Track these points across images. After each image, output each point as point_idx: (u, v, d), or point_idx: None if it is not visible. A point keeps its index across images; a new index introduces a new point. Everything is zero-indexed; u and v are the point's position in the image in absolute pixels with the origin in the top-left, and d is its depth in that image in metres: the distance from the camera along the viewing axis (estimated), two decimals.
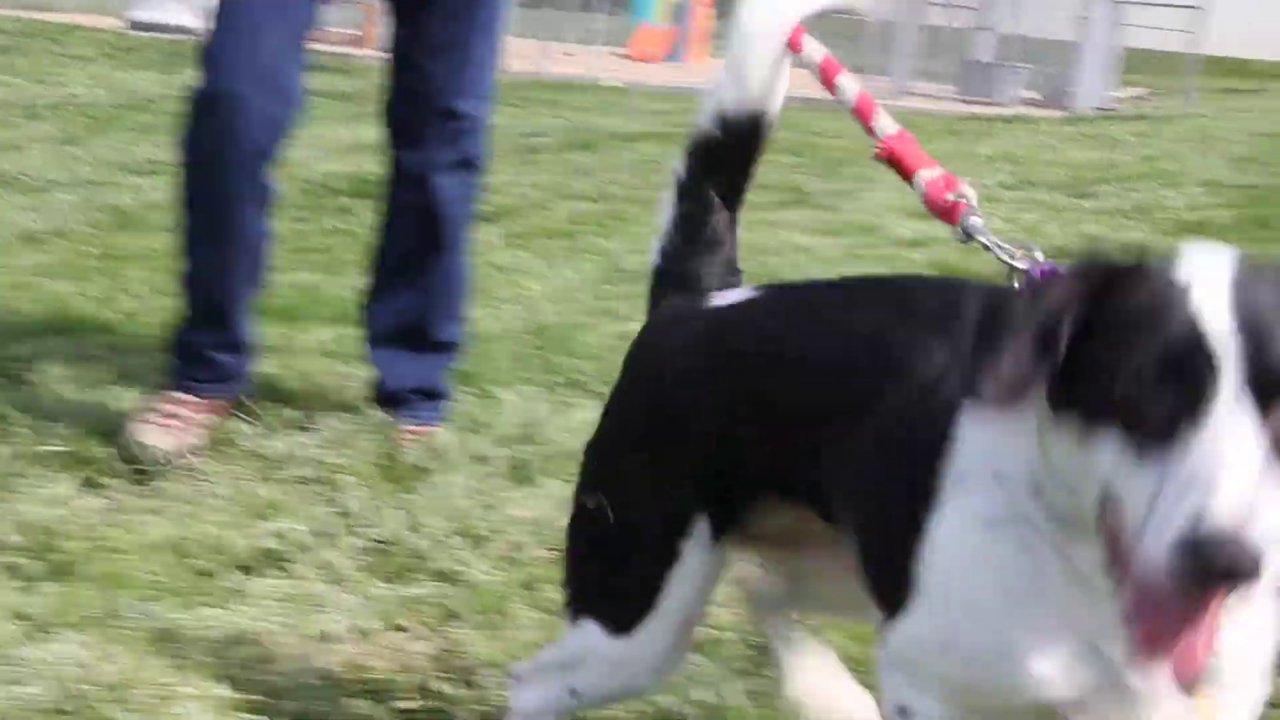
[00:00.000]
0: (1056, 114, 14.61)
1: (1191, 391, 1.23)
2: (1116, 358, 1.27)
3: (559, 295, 5.11)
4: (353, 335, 3.88)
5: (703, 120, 1.95)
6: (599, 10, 23.26)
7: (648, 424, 1.87)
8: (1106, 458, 1.28)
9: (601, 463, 1.92)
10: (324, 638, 2.56)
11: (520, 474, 3.30)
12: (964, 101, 15.51)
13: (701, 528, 1.80)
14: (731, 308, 1.87)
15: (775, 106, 1.95)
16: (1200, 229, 6.88)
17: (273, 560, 2.85)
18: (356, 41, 14.17)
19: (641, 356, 1.93)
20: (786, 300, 1.87)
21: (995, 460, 1.45)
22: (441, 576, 2.79)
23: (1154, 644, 1.27)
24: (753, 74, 1.92)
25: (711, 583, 1.87)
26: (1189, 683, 1.28)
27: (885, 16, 16.28)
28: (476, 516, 3.04)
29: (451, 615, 2.65)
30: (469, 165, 3.45)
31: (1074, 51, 16.05)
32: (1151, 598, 1.25)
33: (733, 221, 1.98)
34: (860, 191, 7.84)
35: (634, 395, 1.91)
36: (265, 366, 3.82)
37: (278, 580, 2.78)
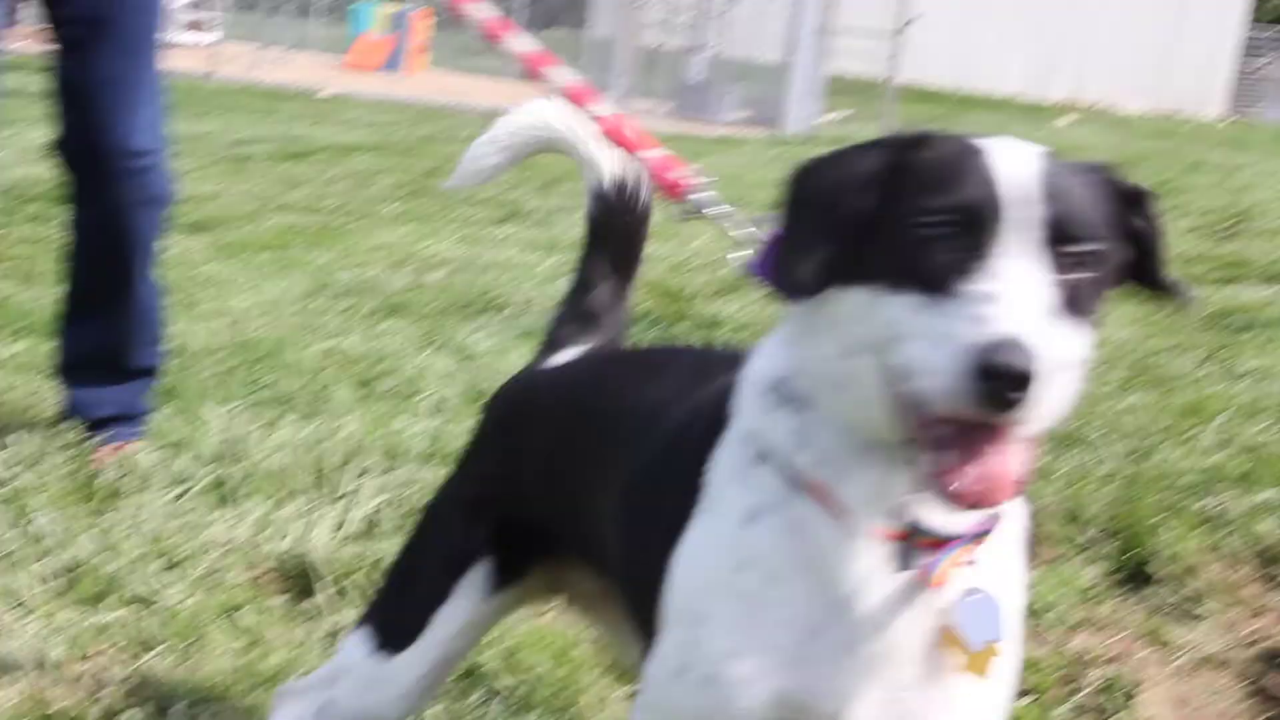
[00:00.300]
0: (766, 134, 15.03)
1: (980, 238, 1.26)
2: (908, 213, 1.29)
3: (266, 309, 4.99)
4: (46, 348, 3.71)
5: (588, 199, 2.03)
6: (315, 17, 22.90)
7: (463, 466, 1.94)
8: (895, 314, 1.27)
9: (436, 492, 1.97)
10: (3, 667, 2.43)
11: (222, 494, 3.21)
12: (680, 120, 15.82)
13: (481, 574, 1.83)
14: (551, 368, 1.92)
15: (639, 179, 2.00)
16: None
17: None
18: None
19: (488, 403, 1.98)
20: (583, 365, 1.90)
21: (759, 438, 1.42)
22: (136, 601, 2.69)
23: (958, 477, 1.26)
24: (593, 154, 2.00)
25: (478, 629, 1.89)
26: (995, 501, 1.27)
27: (603, 35, 16.46)
28: (175, 538, 2.93)
29: (145, 642, 2.55)
30: (155, 201, 3.32)
31: (783, 75, 16.54)
32: (945, 431, 1.26)
33: (621, 288, 2.02)
34: (575, 209, 7.90)
35: (470, 438, 1.96)
36: None
37: None
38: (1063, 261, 1.27)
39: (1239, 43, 30.08)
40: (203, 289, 5.20)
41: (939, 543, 1.37)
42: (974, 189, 1.28)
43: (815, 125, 16.80)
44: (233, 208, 7.05)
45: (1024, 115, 21.37)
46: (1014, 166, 1.30)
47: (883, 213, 1.31)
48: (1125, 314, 5.73)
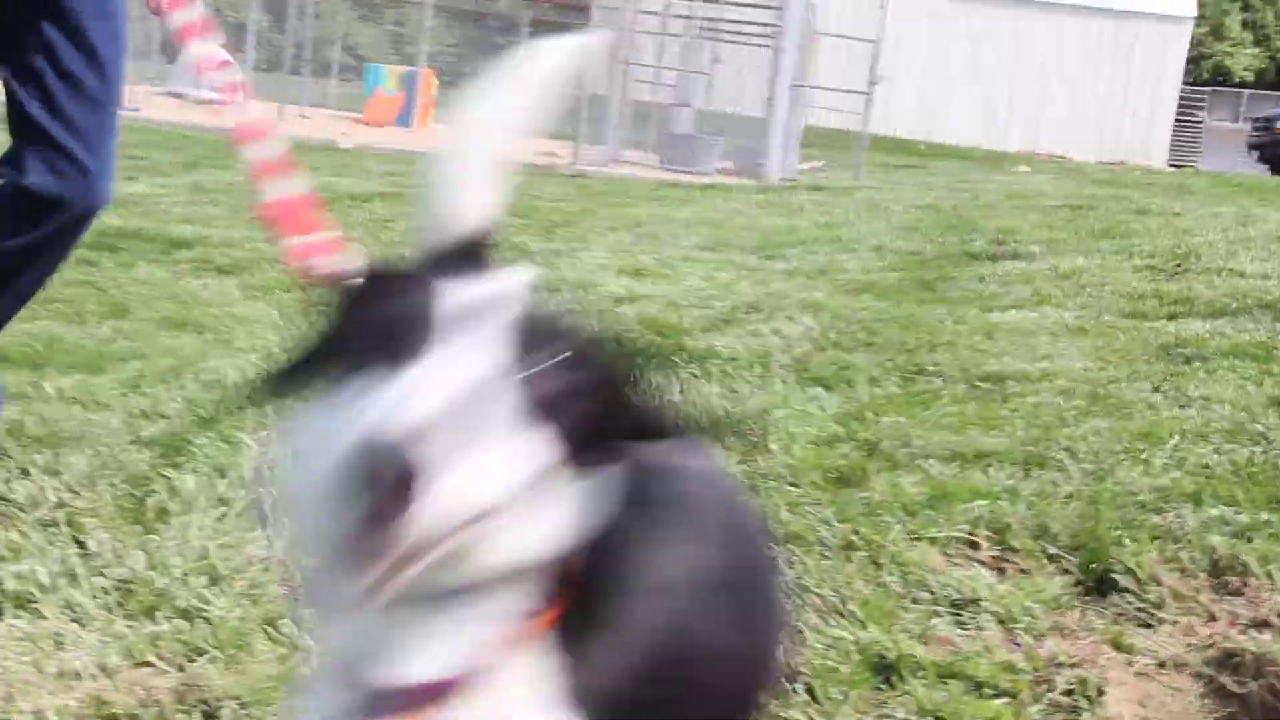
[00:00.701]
0: (748, 183, 15.10)
1: (403, 344, 1.18)
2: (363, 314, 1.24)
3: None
4: (94, 382, 3.73)
5: None
6: (332, 76, 23.00)
7: None
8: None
9: None
10: (66, 674, 2.45)
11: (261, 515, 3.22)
12: (668, 170, 15.89)
13: None
14: None
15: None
16: (872, 289, 7.20)
17: (12, 601, 2.71)
18: None
19: None
20: None
21: None
22: (183, 614, 2.70)
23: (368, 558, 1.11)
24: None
25: None
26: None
27: (597, 91, 16.57)
28: (218, 556, 2.95)
29: (194, 650, 2.57)
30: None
31: (764, 128, 16.64)
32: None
33: None
34: (576, 252, 7.95)
35: None
36: (8, 412, 3.64)
37: (18, 620, 2.64)
38: (526, 363, 1.17)
39: (1177, 99, 30.33)
40: (237, 325, 5.22)
41: (411, 694, 1.22)
42: (404, 304, 1.21)
43: (794, 173, 16.89)
44: (261, 251, 7.07)
45: (986, 163, 21.48)
46: (489, 280, 1.22)
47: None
48: (1083, 346, 5.77)
